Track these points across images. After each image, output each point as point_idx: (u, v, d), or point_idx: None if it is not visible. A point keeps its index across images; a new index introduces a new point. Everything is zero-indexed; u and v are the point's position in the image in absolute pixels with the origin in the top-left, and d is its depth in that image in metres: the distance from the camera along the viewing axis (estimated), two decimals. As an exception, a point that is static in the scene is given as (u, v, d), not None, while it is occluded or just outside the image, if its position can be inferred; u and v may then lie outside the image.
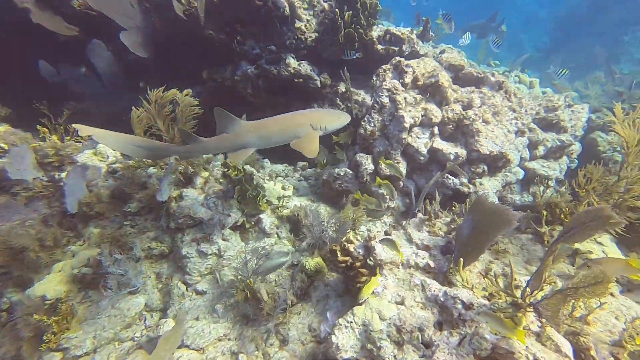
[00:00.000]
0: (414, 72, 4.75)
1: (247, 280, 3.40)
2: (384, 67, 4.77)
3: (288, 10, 5.18)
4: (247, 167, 4.69)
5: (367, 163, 4.72)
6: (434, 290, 2.85)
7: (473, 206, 3.11)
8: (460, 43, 6.04)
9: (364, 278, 3.28)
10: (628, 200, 3.16)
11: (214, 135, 3.48)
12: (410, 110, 4.65)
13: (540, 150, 4.94)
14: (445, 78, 4.69)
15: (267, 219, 4.28)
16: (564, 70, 6.34)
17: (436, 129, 4.68)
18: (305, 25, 5.44)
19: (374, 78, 5.01)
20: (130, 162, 4.37)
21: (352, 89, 5.97)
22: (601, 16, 17.96)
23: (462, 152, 4.48)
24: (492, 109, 4.58)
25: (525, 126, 4.57)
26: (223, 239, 3.95)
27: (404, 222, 4.21)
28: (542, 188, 3.74)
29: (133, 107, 4.00)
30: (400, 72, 4.72)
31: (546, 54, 17.01)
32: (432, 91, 4.74)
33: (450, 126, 4.65)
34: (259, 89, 5.58)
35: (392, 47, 5.68)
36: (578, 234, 2.63)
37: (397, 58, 4.70)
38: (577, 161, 5.37)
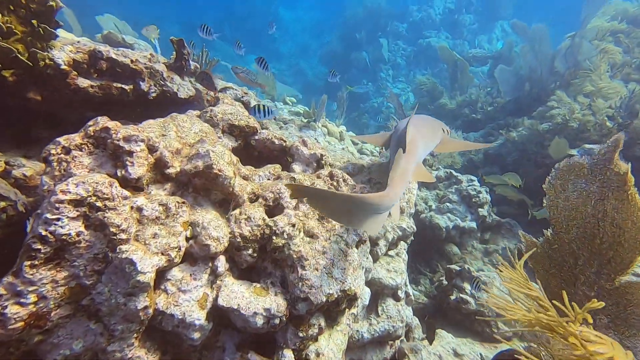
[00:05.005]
0: (155, 148, 2.12)
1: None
2: (62, 142, 1.88)
3: None
4: None
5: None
6: None
7: None
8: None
9: None
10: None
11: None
12: (156, 238, 2.00)
13: (382, 246, 3.37)
14: (225, 159, 2.30)
15: None
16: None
17: (222, 262, 2.23)
18: None
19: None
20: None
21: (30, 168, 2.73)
22: (356, 54, 20.63)
23: (279, 305, 2.21)
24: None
25: (366, 227, 2.81)
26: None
27: None
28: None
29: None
30: (115, 152, 1.97)
31: (327, 82, 17.99)
32: (201, 184, 2.25)
33: (250, 251, 2.32)
34: None
35: (117, 84, 2.84)
36: None
37: (102, 122, 1.93)
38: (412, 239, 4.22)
